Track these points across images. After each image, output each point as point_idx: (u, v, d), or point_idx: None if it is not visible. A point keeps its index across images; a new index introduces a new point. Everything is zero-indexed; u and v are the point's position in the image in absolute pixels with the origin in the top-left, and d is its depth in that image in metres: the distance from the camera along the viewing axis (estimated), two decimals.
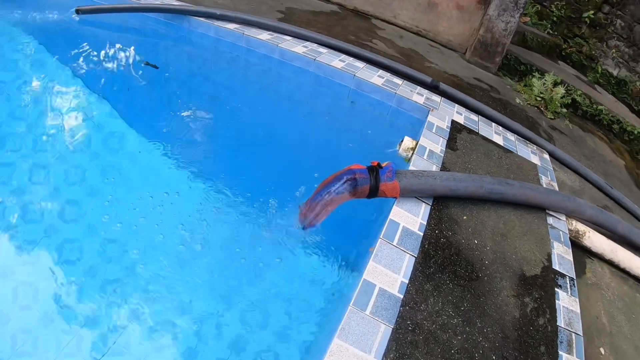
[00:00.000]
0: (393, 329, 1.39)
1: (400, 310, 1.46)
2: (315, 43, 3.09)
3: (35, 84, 3.62)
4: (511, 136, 2.99)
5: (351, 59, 3.00)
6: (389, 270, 1.56)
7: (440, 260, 1.73)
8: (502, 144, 2.78)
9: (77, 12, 3.81)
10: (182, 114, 3.09)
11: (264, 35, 3.04)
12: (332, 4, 4.46)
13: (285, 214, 2.06)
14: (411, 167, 2.06)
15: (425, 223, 1.81)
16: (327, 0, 4.49)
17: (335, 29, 3.73)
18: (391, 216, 1.74)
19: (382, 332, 1.37)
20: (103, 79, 3.66)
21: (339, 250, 2.00)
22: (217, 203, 2.29)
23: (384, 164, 1.78)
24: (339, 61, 2.87)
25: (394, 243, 1.66)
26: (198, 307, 1.95)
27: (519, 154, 2.79)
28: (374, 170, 1.73)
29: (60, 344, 1.87)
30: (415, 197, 1.90)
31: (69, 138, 2.98)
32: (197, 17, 3.30)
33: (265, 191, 2.29)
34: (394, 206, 1.79)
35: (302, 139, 2.67)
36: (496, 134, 2.87)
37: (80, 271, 2.15)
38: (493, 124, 3.02)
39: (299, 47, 2.94)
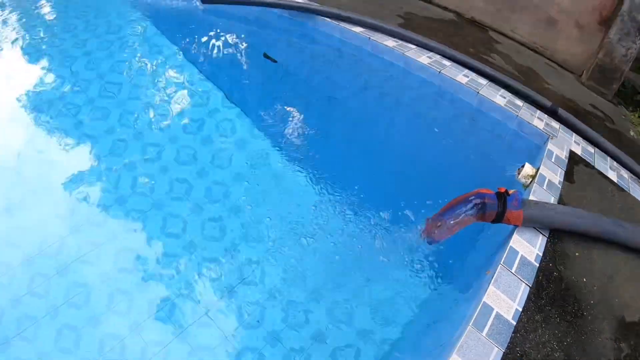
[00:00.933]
0: (504, 353, 1.51)
1: (511, 336, 1.58)
2: (439, 54, 3.17)
3: (154, 66, 4.01)
4: (625, 173, 2.93)
5: (474, 74, 3.05)
6: (506, 297, 1.67)
7: (552, 294, 1.82)
8: (616, 181, 2.74)
9: (204, 1, 4.10)
10: (295, 112, 3.30)
11: (390, 42, 3.17)
12: (450, 12, 4.48)
13: (406, 226, 2.21)
14: (531, 197, 2.13)
15: (541, 254, 1.90)
16: (445, 8, 4.51)
17: (454, 39, 3.77)
18: (511, 243, 1.84)
19: (494, 354, 1.49)
20: (220, 68, 3.96)
21: (454, 267, 2.13)
22: (333, 208, 2.49)
23: (510, 192, 1.88)
24: (462, 76, 2.94)
25: (512, 270, 1.77)
26: (315, 320, 2.14)
27: (632, 194, 2.74)
28: (503, 197, 1.83)
29: (152, 308, 2.12)
30: (534, 228, 1.97)
31: (181, 120, 3.29)
32: (322, 17, 3.46)
33: (381, 200, 2.44)
34: (514, 234, 1.89)
35: (419, 150, 2.79)
36: (611, 170, 2.83)
37: (180, 245, 2.44)
38: (608, 158, 2.97)
39: (424, 58, 3.04)
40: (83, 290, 2.17)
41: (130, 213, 2.61)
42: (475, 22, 4.49)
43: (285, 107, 3.25)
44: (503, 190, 1.86)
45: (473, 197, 1.82)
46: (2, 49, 5.03)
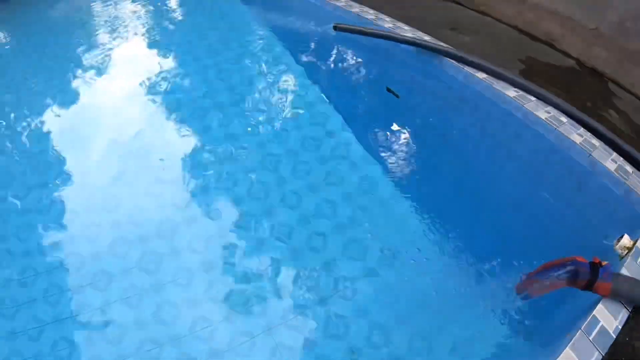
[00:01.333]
0: None
1: None
2: (557, 109, 3.33)
3: (279, 83, 4.58)
4: None
5: (588, 134, 3.19)
6: None
7: None
8: None
9: (335, 28, 4.54)
10: (409, 145, 3.64)
11: (511, 92, 3.39)
12: (571, 59, 4.52)
13: (500, 276, 2.50)
14: (624, 269, 2.32)
15: (620, 327, 2.10)
16: (567, 54, 4.55)
17: (573, 89, 3.88)
18: (595, 312, 2.07)
19: None
20: (342, 93, 4.40)
21: (538, 323, 2.39)
22: (431, 243, 2.83)
23: (603, 263, 2.10)
24: (577, 135, 3.10)
25: (590, 338, 2.01)
26: (395, 345, 2.50)
27: None
28: (595, 268, 2.07)
29: (247, 302, 2.58)
30: (619, 301, 2.18)
31: (299, 137, 3.76)
32: (447, 58, 3.75)
33: (479, 245, 2.74)
34: (599, 303, 2.12)
35: (522, 204, 3.02)
36: None
37: (284, 250, 2.89)
38: None
39: (542, 112, 3.24)
40: (187, 275, 2.73)
41: (243, 214, 3.16)
42: (596, 71, 4.50)
43: (400, 138, 3.62)
44: (597, 260, 2.09)
45: (569, 263, 2.08)
46: (145, 49, 6.03)
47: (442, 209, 3.00)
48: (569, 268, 2.08)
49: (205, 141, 3.95)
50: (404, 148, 3.57)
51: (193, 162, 3.73)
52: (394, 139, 3.64)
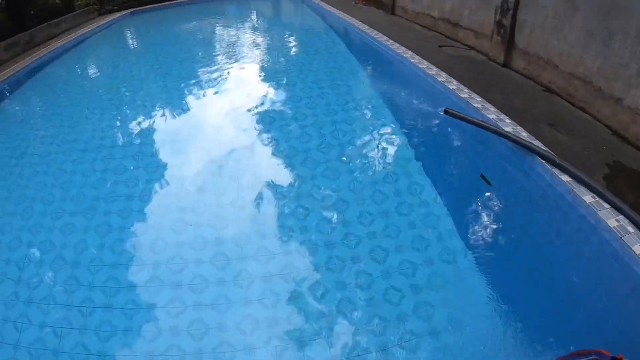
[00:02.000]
0: None
1: None
2: (627, 219, 3.84)
3: (385, 147, 5.51)
4: None
5: None
6: None
7: None
8: None
9: (445, 112, 5.36)
10: (493, 227, 4.24)
11: (588, 197, 3.97)
12: None
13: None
14: None
15: None
16: None
17: None
18: None
19: None
20: (440, 170, 5.18)
21: None
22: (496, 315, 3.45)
23: None
24: (638, 246, 3.63)
25: None
26: None
27: None
28: None
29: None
30: None
31: (393, 198, 4.56)
32: (538, 157, 4.41)
33: (535, 321, 3.35)
34: None
35: (579, 299, 3.54)
36: None
37: (363, 296, 3.58)
38: None
39: (612, 220, 3.77)
40: (248, 280, 3.73)
41: (331, 259, 3.96)
42: None
43: (484, 220, 4.32)
44: (620, 356, 2.68)
45: (594, 353, 2.72)
46: (265, 87, 8.41)
47: (510, 288, 3.65)
48: (593, 358, 2.71)
49: (302, 182, 5.08)
50: (486, 230, 4.24)
51: (286, 193, 4.90)
52: (479, 220, 4.33)
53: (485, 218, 4.34)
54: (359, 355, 3.18)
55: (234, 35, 14.06)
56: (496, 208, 4.45)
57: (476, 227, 4.29)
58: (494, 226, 4.28)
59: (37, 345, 3.41)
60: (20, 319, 3.64)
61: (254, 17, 18.48)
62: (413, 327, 3.33)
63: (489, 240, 4.16)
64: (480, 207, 4.49)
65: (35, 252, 4.36)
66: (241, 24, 16.67)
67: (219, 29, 15.90)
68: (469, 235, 4.17)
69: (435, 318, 3.39)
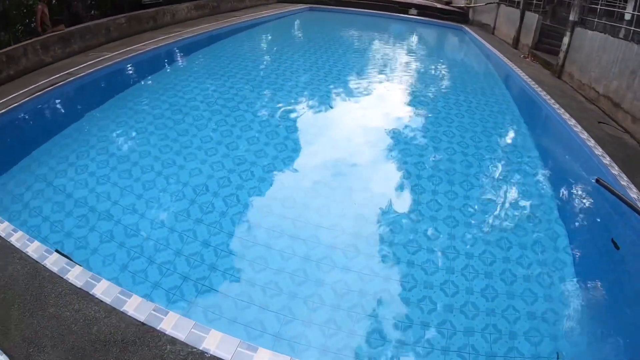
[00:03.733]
0: None
1: None
2: None
3: (527, 194, 6.38)
4: None
5: None
6: None
7: None
8: None
9: (597, 181, 6.33)
10: (610, 288, 4.77)
11: None
12: None
13: None
14: None
15: None
16: None
17: None
18: None
19: None
20: (576, 226, 5.98)
21: None
22: None
23: None
24: None
25: None
26: None
27: None
28: None
29: None
30: None
31: (517, 249, 5.30)
32: None
33: None
34: None
35: None
36: None
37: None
38: None
39: None
40: (345, 287, 4.56)
41: (446, 282, 4.85)
42: None
43: (606, 280, 5.13)
44: None
45: None
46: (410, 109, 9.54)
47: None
48: None
49: (421, 210, 5.88)
50: (607, 288, 4.79)
51: (399, 218, 5.70)
52: (602, 278, 4.90)
53: (606, 277, 5.10)
54: None
55: (390, 52, 15.74)
56: (621, 270, 5.22)
57: (599, 283, 4.98)
58: (617, 284, 4.94)
59: None
60: None
61: (414, 39, 19.97)
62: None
63: (609, 296, 4.77)
64: (605, 267, 5.28)
65: None
66: (400, 43, 18.29)
67: (380, 43, 17.57)
68: (590, 289, 4.95)
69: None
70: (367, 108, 9.88)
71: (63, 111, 9.33)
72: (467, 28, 21.14)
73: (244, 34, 17.10)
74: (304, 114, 9.13)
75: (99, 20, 13.50)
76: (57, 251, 4.25)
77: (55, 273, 3.91)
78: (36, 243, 4.30)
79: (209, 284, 4.51)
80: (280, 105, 9.41)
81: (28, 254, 4.14)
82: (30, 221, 5.30)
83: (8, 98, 8.45)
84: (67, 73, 10.09)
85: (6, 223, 4.69)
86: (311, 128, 8.60)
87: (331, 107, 9.52)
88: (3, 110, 7.82)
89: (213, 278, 4.60)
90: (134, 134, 7.79)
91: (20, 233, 4.47)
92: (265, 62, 13.26)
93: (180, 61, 13.13)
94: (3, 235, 4.42)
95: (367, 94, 10.82)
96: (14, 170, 6.42)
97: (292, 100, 9.82)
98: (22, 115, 8.23)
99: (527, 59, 14.56)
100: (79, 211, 5.54)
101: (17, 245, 4.27)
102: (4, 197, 5.76)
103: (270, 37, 17.69)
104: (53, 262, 4.06)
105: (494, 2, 19.96)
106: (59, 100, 9.32)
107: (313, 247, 5.08)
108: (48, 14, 11.24)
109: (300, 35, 18.75)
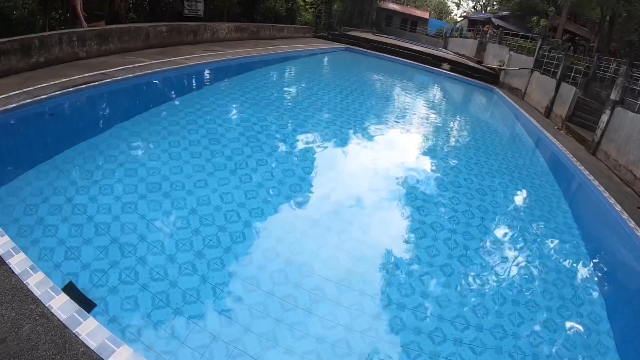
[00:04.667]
0: None
1: None
2: None
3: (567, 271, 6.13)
4: None
5: None
6: None
7: None
8: None
9: None
10: None
11: None
12: None
13: None
14: None
15: None
16: None
17: None
18: None
19: None
20: (616, 310, 5.72)
21: None
22: None
23: None
24: None
25: None
26: None
27: None
28: None
29: None
30: None
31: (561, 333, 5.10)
32: None
33: None
34: None
35: None
36: None
37: None
38: None
39: None
40: (359, 306, 4.60)
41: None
42: None
43: None
44: None
45: None
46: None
47: None
48: None
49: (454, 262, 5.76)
50: None
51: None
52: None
53: None
54: None
55: (418, 104, 15.73)
56: None
57: None
58: None
59: None
60: None
61: (444, 93, 20.05)
62: None
63: None
64: None
65: None
66: (430, 96, 18.35)
67: (408, 93, 17.70)
68: None
69: None
70: (385, 157, 9.55)
71: (93, 115, 8.86)
72: (497, 89, 21.25)
73: (285, 64, 17.20)
74: (320, 152, 8.87)
75: (140, 24, 13.44)
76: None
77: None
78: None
79: (243, 347, 3.93)
80: (299, 141, 9.20)
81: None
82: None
83: (36, 87, 8.03)
84: (101, 73, 9.79)
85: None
86: (324, 167, 8.24)
87: (347, 151, 9.32)
88: (28, 100, 7.33)
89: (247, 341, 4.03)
90: (166, 157, 6.94)
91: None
92: (293, 95, 13.17)
93: (219, 82, 12.96)
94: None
95: (388, 143, 10.63)
96: (29, 175, 5.72)
97: (312, 139, 9.58)
98: (49, 109, 7.66)
99: (561, 130, 14.41)
100: (99, 241, 4.76)
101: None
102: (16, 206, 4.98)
103: (305, 71, 17.75)
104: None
105: (527, 68, 20.09)
106: (91, 102, 8.91)
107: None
108: (83, 6, 10.89)
109: (333, 73, 18.82)
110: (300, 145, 8.91)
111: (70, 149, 6.57)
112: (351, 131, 10.62)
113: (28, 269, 3.64)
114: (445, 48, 38.02)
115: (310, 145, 9.03)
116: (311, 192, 6.96)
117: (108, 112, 9.18)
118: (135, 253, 4.66)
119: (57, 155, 6.35)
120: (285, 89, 13.17)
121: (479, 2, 61.18)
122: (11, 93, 7.53)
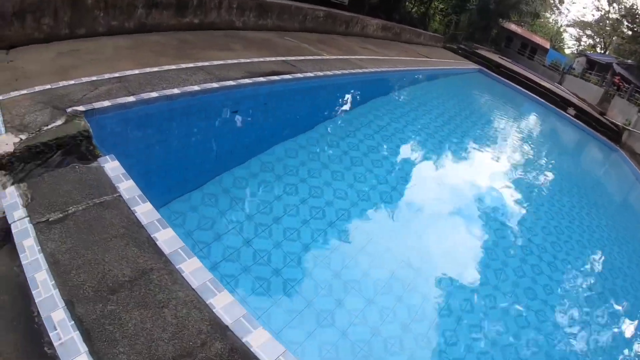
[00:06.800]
0: None
1: None
2: None
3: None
4: None
5: None
6: None
7: None
8: None
9: None
10: None
11: None
12: None
13: None
14: None
15: None
16: None
17: None
18: None
19: None
20: None
21: None
22: None
23: None
24: None
25: None
26: None
27: None
28: None
29: None
30: None
31: None
32: None
33: None
34: None
35: None
36: None
37: None
38: None
39: None
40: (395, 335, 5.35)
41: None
42: None
43: None
44: None
45: None
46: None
47: None
48: None
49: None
50: None
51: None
52: None
53: None
54: None
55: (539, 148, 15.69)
56: None
57: None
58: None
59: None
60: None
61: (565, 141, 19.85)
62: None
63: None
64: None
65: None
66: (551, 142, 18.30)
67: (526, 133, 17.41)
68: None
69: None
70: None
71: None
72: (619, 148, 21.31)
73: (450, 79, 18.07)
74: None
75: (301, 4, 12.90)
76: None
77: None
78: None
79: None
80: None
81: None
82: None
83: (212, 63, 6.97)
84: (282, 61, 8.90)
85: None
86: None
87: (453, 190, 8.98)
88: (215, 85, 6.16)
89: None
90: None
91: None
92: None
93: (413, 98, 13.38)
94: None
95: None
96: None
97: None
98: (238, 100, 6.81)
99: None
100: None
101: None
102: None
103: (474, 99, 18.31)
104: None
105: None
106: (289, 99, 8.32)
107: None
108: None
109: (463, 97, 19.12)
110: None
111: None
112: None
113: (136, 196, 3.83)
114: (560, 84, 37.29)
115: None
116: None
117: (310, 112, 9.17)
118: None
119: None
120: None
121: (602, 41, 58.51)
122: (183, 66, 6.36)
